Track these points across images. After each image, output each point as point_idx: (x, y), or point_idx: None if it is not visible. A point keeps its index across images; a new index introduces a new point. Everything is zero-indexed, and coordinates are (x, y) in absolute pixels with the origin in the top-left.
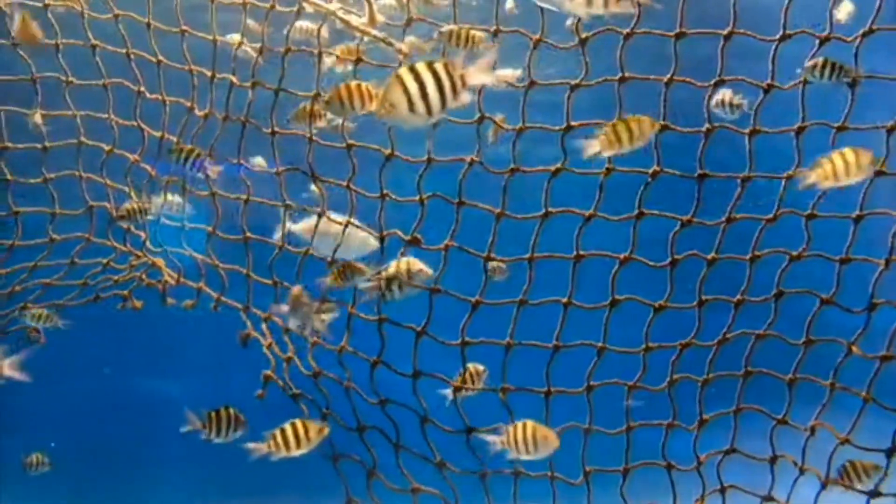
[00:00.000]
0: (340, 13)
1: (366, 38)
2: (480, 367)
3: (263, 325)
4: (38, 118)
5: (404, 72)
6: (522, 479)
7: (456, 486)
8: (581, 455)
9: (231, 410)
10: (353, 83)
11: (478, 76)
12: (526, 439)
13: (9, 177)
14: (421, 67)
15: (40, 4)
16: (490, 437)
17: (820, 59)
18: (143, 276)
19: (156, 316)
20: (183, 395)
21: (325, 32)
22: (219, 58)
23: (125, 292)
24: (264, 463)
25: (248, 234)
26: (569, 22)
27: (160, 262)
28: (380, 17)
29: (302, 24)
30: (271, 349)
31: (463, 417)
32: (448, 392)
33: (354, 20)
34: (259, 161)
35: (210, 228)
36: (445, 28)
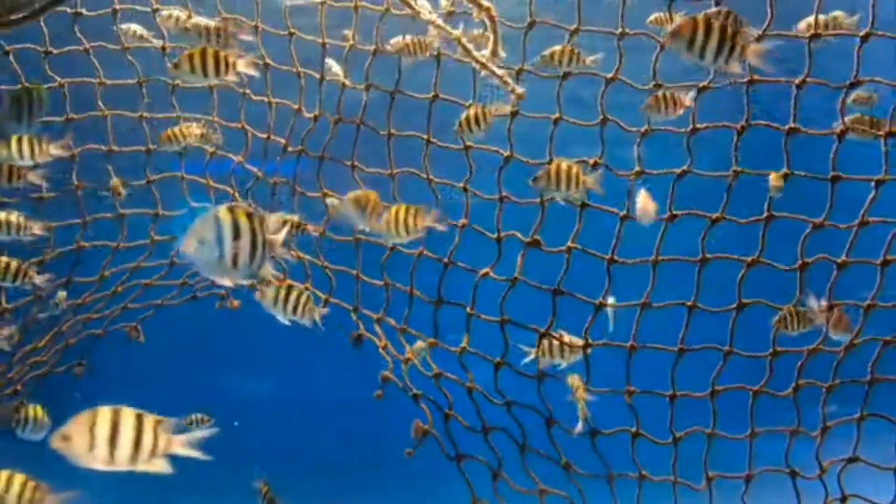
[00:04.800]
0: (465, 41)
1: (483, 72)
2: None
3: (377, 326)
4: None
5: None
6: (646, 482)
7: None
8: (704, 460)
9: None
10: None
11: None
12: None
13: (114, 180)
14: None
15: None
16: None
17: None
18: None
19: (243, 315)
20: (272, 393)
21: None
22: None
23: (223, 292)
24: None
25: (360, 236)
26: None
27: None
28: (503, 53)
29: None
30: (387, 350)
31: (588, 421)
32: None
33: (477, 53)
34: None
35: (320, 230)
36: (547, 51)
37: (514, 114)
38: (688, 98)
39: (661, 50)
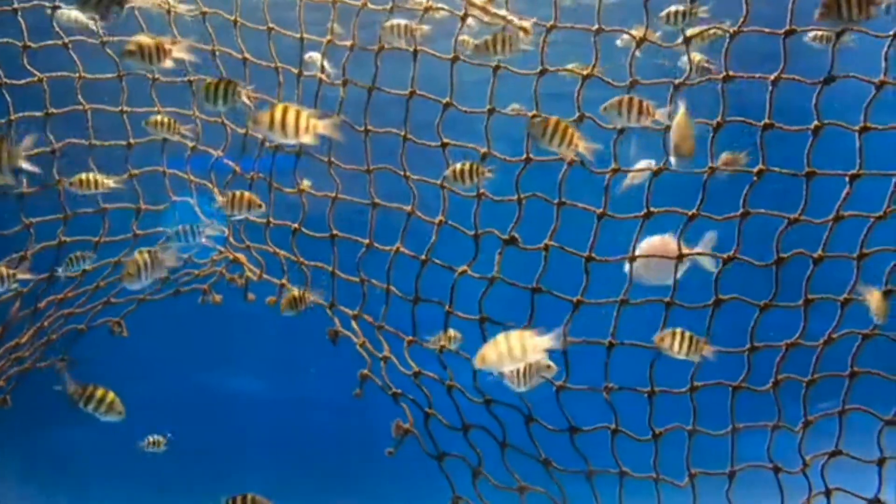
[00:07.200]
0: None
1: (486, 18)
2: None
3: (353, 323)
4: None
5: None
6: (627, 479)
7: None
8: (686, 457)
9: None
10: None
11: None
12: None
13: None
14: None
15: None
16: None
17: None
18: (224, 272)
19: (226, 312)
20: (260, 390)
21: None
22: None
23: (205, 286)
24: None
25: (335, 232)
26: None
27: (242, 257)
28: None
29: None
30: (364, 347)
31: (567, 417)
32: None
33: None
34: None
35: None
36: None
37: (490, 111)
38: (659, 112)
39: (636, 47)
